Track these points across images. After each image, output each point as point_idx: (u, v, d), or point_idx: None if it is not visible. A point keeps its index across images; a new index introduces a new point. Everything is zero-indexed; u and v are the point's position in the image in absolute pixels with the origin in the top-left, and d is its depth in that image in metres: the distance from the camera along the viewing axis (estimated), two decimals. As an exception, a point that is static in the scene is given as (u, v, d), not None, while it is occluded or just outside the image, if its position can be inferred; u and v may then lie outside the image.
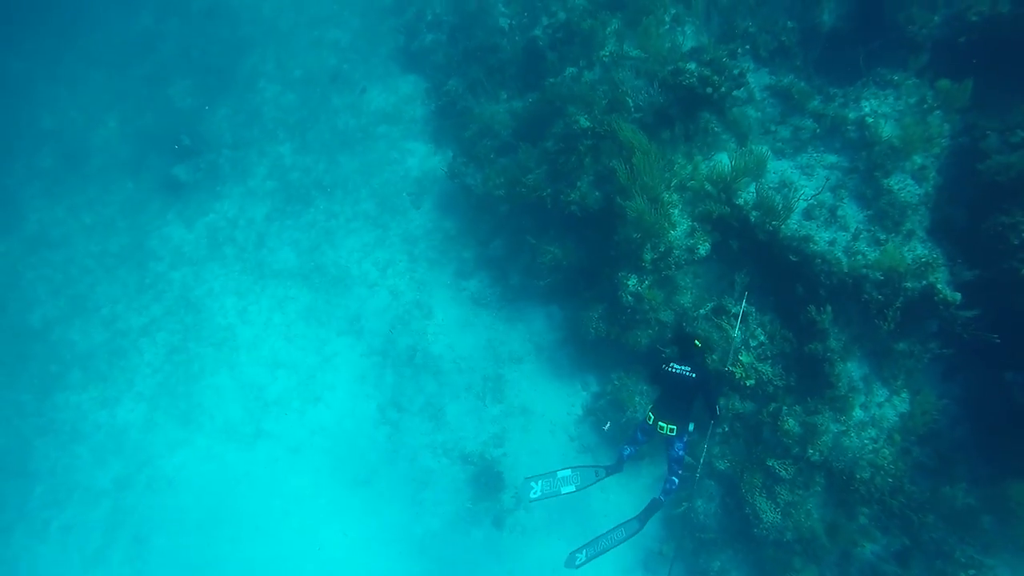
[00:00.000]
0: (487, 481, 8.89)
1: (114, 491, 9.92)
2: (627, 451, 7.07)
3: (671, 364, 6.70)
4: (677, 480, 6.79)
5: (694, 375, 6.61)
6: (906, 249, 7.14)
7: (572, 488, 7.09)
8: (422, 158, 11.71)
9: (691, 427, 6.70)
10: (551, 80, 9.71)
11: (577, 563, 6.88)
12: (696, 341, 6.90)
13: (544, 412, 9.28)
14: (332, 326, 10.54)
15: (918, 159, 7.50)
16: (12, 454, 10.57)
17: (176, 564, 9.22)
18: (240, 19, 14.68)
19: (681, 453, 6.70)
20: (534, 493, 7.07)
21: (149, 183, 12.78)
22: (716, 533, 7.86)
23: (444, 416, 9.52)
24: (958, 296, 6.73)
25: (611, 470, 7.08)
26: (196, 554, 9.20)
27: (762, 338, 7.74)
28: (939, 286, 6.86)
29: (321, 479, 9.44)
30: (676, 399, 6.66)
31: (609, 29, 9.69)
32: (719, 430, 7.94)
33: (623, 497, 8.55)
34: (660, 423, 6.60)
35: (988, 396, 7.33)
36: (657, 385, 6.91)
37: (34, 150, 13.66)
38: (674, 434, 6.58)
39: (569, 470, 7.22)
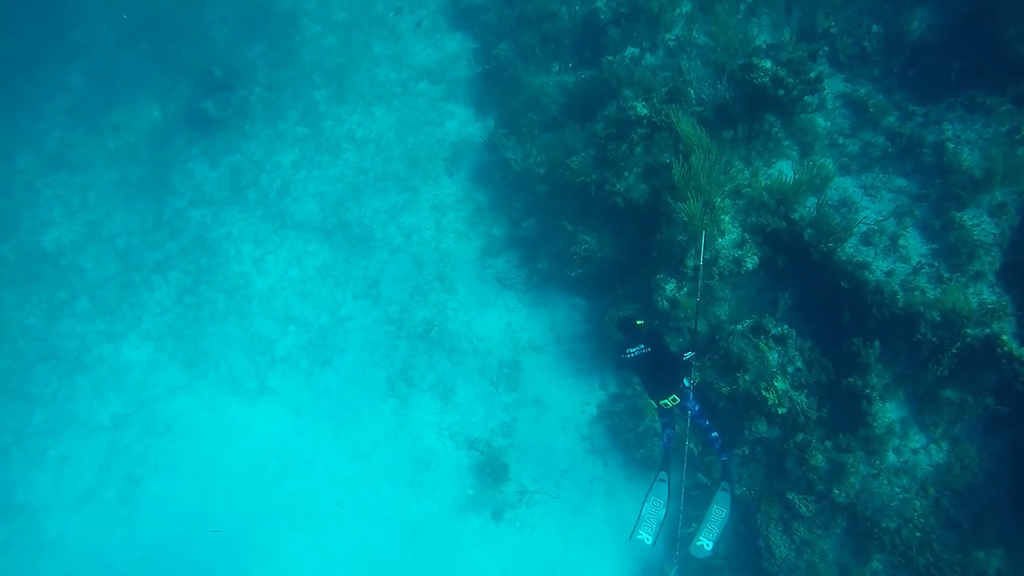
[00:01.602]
0: (491, 471, 8.61)
1: (112, 428, 9.74)
2: (664, 439, 6.92)
3: (627, 351, 6.66)
4: (715, 432, 6.78)
5: (649, 349, 6.58)
6: (971, 292, 6.61)
7: (663, 508, 6.80)
8: (461, 122, 11.13)
9: (687, 382, 6.63)
10: (609, 58, 9.08)
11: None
12: (638, 321, 6.85)
13: (557, 406, 8.93)
14: (349, 288, 10.17)
15: (999, 195, 6.90)
16: (13, 376, 10.39)
17: (168, 510, 9.08)
18: (287, -50, 13.93)
19: (697, 407, 6.66)
20: (648, 539, 6.71)
21: (177, 113, 12.28)
22: (723, 560, 7.56)
23: (454, 397, 9.20)
24: (1025, 351, 6.21)
25: (665, 465, 6.91)
26: (188, 503, 9.05)
27: (799, 364, 7.29)
28: (1004, 337, 6.34)
29: (321, 445, 9.20)
30: (654, 374, 6.67)
31: (679, 11, 9.00)
32: (738, 452, 7.57)
33: (628, 508, 8.26)
34: (662, 401, 6.53)
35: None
36: (632, 374, 7.04)
37: (62, 63, 13.15)
38: (679, 401, 6.52)
39: (646, 504, 6.88)
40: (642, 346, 6.61)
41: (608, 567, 8.19)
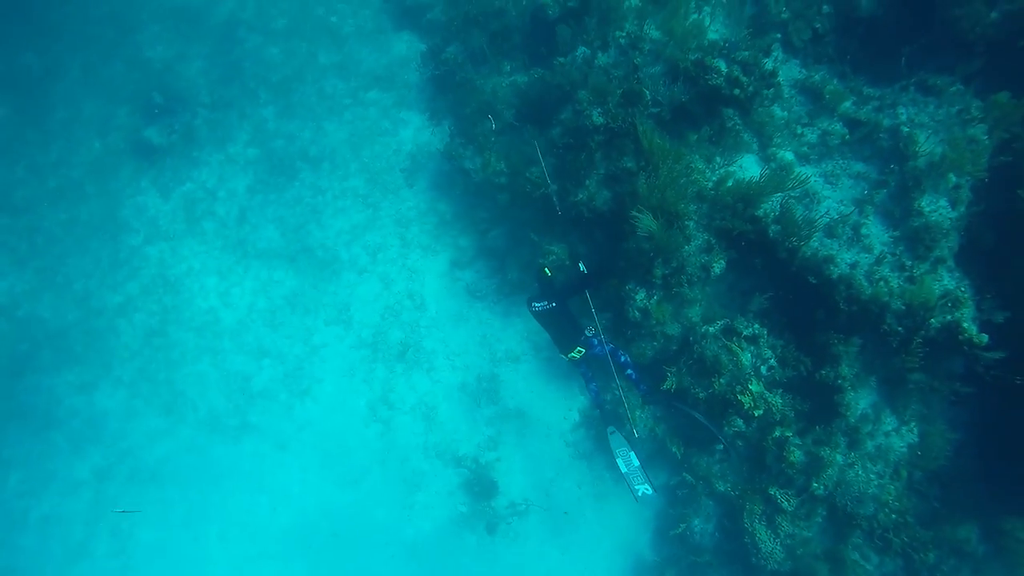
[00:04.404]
0: (480, 487, 8.71)
1: (94, 482, 9.60)
2: (592, 394, 7.50)
3: (533, 304, 7.13)
4: (630, 369, 7.21)
5: (554, 305, 7.07)
6: (932, 278, 6.72)
7: (632, 454, 7.29)
8: (417, 130, 10.84)
9: (589, 332, 7.08)
10: (560, 59, 8.83)
11: (643, 494, 7.24)
12: (545, 269, 7.26)
13: (540, 416, 9.00)
14: (320, 314, 10.00)
15: (953, 177, 6.96)
16: (-17, 437, 10.16)
17: (162, 559, 9.06)
18: (215, -46, 13.18)
19: (605, 350, 7.07)
20: (649, 490, 7.21)
21: (119, 144, 11.72)
22: (712, 555, 7.79)
23: (436, 416, 9.22)
24: (985, 338, 6.37)
25: (606, 418, 7.44)
26: (183, 550, 9.04)
27: (773, 362, 7.41)
28: (965, 324, 6.49)
29: (309, 477, 9.20)
30: (560, 328, 7.16)
31: (628, 4, 8.75)
32: (720, 447, 7.73)
33: (617, 510, 8.45)
34: (570, 355, 7.05)
35: (999, 431, 7.15)
36: (540, 325, 7.41)
37: (-15, 98, 12.42)
38: (584, 352, 7.03)
39: (618, 462, 7.31)
40: (546, 302, 7.06)
41: (604, 567, 8.41)
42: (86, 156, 11.77)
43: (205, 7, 12.70)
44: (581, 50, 8.87)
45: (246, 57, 12.05)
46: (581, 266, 7.38)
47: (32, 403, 10.14)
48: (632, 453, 7.21)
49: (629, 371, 7.21)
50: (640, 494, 7.14)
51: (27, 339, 10.57)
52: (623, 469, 7.21)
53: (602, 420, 7.35)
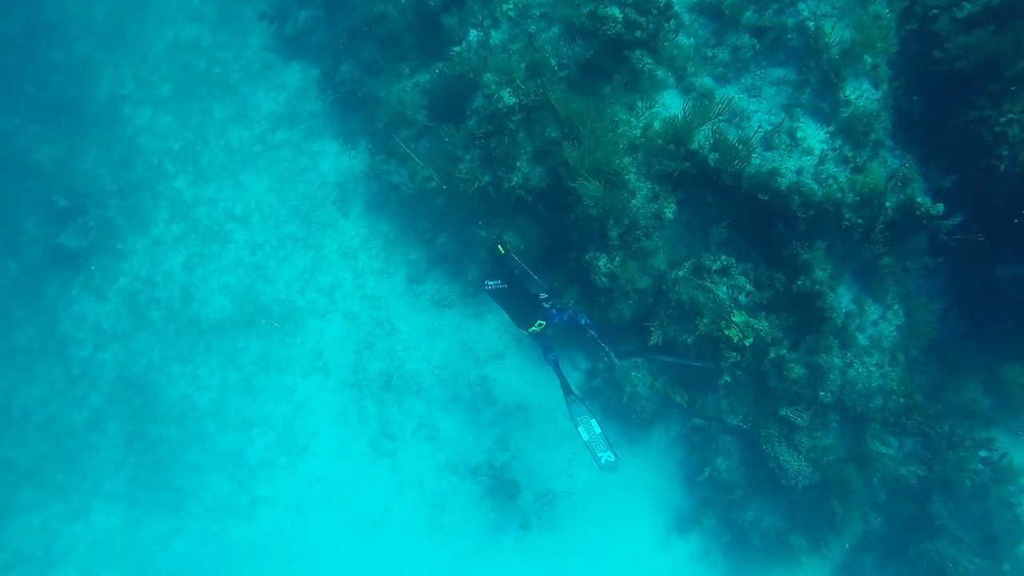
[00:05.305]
0: (503, 490, 8.62)
1: (117, 605, 9.28)
2: (551, 363, 7.41)
3: (487, 283, 7.13)
4: (592, 330, 7.31)
5: (506, 286, 7.06)
6: (877, 163, 6.73)
7: (593, 420, 7.22)
8: (335, 158, 10.47)
9: (544, 300, 7.16)
10: (456, 49, 8.56)
11: (606, 461, 7.16)
12: (499, 247, 7.25)
13: (540, 403, 8.89)
14: (295, 369, 9.68)
15: (869, 59, 6.94)
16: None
17: (211, 660, 8.84)
18: (72, 34, 12.43)
19: (564, 316, 7.20)
20: (612, 456, 7.14)
21: (36, 259, 11.09)
22: (743, 489, 7.84)
23: (440, 433, 9.06)
24: (940, 207, 6.42)
25: (566, 386, 7.33)
26: (228, 644, 8.82)
27: (749, 287, 7.36)
28: (918, 199, 6.56)
29: (333, 531, 8.99)
30: (515, 305, 7.19)
31: (507, -28, 8.48)
32: (721, 381, 7.71)
33: (641, 469, 8.45)
34: (531, 329, 7.05)
35: (976, 287, 7.28)
36: (496, 303, 7.43)
37: None
38: (544, 324, 7.07)
39: (580, 430, 7.20)
40: (499, 282, 7.06)
41: (644, 530, 8.43)
42: (3, 281, 11.12)
43: (82, 93, 12.03)
44: (473, 34, 8.60)
45: (140, 133, 11.46)
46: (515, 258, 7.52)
47: (27, 547, 9.63)
48: (593, 420, 7.15)
49: (591, 332, 7.21)
50: (604, 461, 7.07)
51: (1, 486, 10.05)
52: (584, 437, 7.13)
53: (563, 387, 7.27)
